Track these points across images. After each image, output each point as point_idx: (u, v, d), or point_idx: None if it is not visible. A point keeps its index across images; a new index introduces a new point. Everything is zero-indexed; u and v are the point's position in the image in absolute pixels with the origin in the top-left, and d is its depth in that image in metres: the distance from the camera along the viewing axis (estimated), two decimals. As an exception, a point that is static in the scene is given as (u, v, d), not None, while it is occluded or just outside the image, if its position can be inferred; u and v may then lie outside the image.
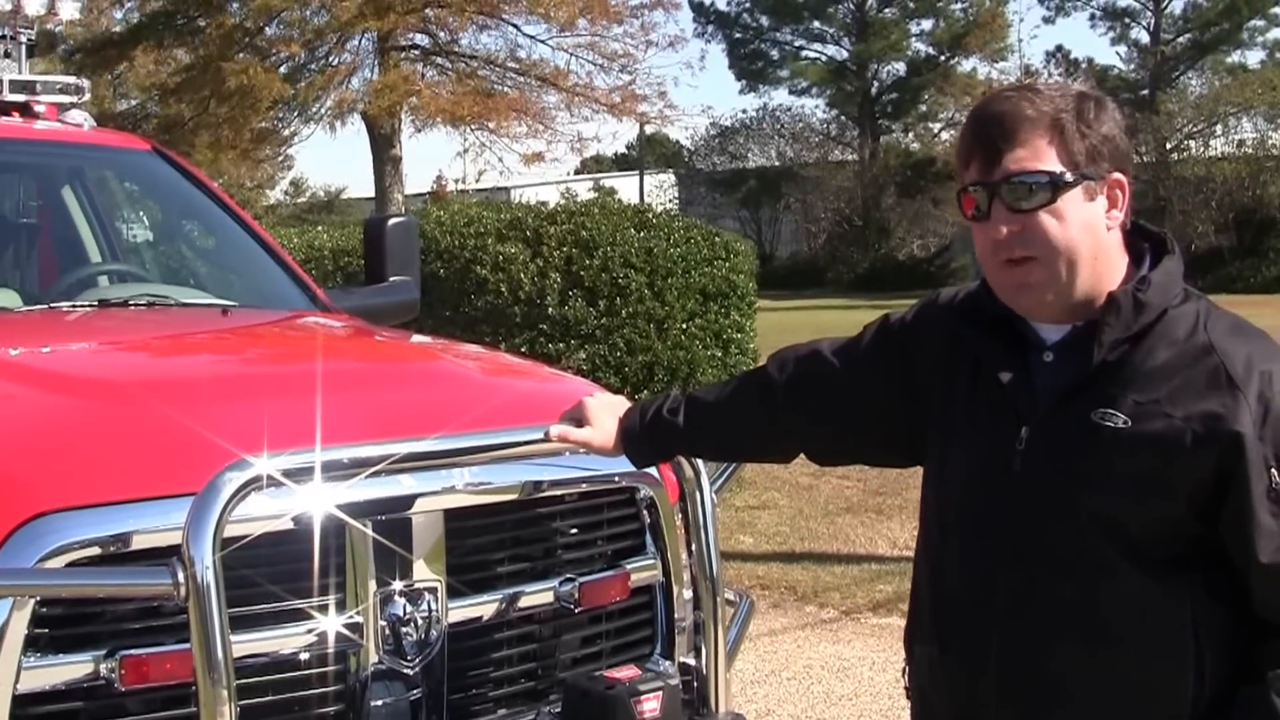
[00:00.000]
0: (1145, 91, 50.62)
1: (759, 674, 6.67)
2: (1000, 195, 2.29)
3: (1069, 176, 2.27)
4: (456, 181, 43.27)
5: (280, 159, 41.15)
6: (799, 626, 7.55)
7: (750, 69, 55.96)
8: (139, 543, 2.82)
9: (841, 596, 8.06)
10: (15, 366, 3.71)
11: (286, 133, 31.75)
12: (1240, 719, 2.22)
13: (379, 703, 3.10)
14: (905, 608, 2.63)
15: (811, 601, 8.01)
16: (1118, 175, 2.32)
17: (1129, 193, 2.34)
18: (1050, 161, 2.27)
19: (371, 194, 30.28)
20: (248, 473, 2.72)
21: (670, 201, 49.15)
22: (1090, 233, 2.29)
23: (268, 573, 2.95)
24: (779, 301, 31.42)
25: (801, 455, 2.87)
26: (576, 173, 55.73)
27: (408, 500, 3.13)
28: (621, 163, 64.43)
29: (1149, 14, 52.93)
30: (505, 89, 29.34)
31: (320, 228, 14.97)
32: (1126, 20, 53.86)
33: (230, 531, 2.72)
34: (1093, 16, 54.78)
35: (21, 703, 2.71)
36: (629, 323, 10.17)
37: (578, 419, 2.97)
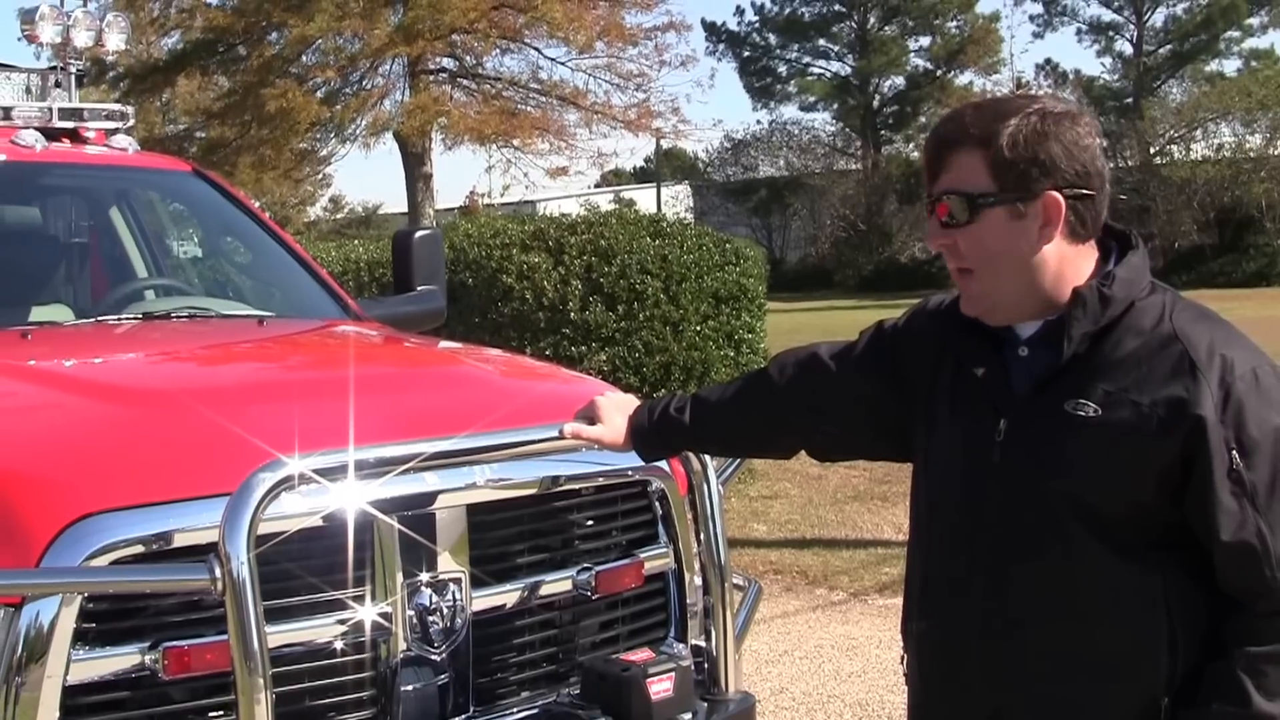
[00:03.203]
0: (1129, 100, 50.58)
1: (773, 654, 6.65)
2: (934, 211, 2.31)
3: (989, 199, 2.25)
4: (483, 196, 43.27)
5: (319, 178, 41.24)
6: (810, 608, 7.53)
7: (760, 85, 56.05)
8: (179, 541, 2.82)
9: (850, 579, 8.04)
10: (64, 376, 3.73)
11: (324, 153, 31.87)
12: (1209, 694, 2.19)
13: (408, 688, 3.09)
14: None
15: (822, 585, 7.99)
16: (1053, 194, 2.23)
17: (1066, 210, 2.23)
18: (972, 183, 2.25)
19: (405, 209, 30.35)
20: (280, 473, 2.71)
21: (686, 211, 49.04)
22: (1013, 250, 2.26)
23: (301, 567, 2.95)
24: (789, 303, 31.38)
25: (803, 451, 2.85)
26: (597, 186, 55.75)
27: (432, 496, 3.12)
28: (641, 176, 64.38)
29: (1132, 27, 52.84)
30: (528, 108, 29.42)
31: (357, 241, 14.96)
32: (1111, 33, 53.79)
33: (264, 529, 2.71)
34: (1079, 31, 54.82)
35: (72, 693, 2.72)
36: (646, 326, 10.15)
37: (590, 417, 2.95)
